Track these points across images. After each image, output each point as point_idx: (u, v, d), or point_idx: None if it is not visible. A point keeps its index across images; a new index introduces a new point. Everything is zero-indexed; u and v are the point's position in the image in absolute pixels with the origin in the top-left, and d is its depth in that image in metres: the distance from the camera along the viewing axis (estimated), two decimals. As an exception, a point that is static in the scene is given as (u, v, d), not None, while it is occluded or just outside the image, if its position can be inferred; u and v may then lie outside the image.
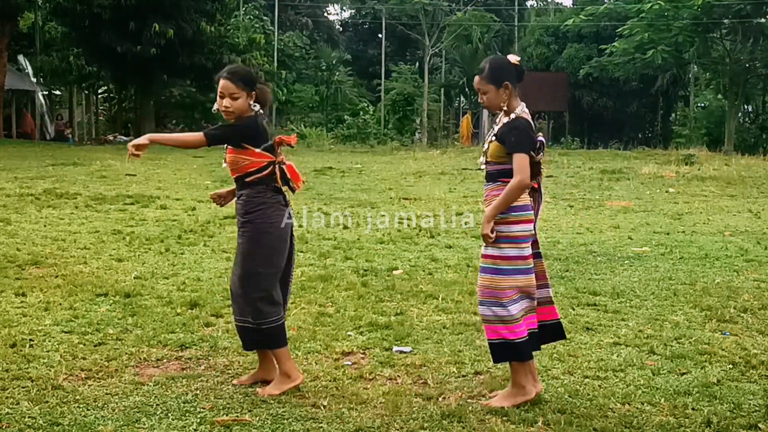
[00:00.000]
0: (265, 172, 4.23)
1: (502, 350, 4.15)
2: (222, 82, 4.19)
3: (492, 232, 4.06)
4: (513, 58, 4.20)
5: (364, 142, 32.71)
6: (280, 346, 4.29)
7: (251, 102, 4.23)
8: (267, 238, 4.24)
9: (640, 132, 42.10)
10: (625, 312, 6.07)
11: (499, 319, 4.10)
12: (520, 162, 4.05)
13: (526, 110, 4.18)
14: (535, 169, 4.18)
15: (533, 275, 4.18)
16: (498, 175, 4.15)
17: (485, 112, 39.77)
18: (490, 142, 4.19)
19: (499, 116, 4.27)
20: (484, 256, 4.14)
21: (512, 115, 4.15)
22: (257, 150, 4.20)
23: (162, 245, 8.46)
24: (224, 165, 4.34)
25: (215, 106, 4.27)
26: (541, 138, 4.23)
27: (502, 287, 4.09)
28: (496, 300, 4.10)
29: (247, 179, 4.22)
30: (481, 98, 4.20)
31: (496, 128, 4.20)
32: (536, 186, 4.24)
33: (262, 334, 4.26)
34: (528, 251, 4.15)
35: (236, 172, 4.25)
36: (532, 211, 4.18)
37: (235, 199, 4.32)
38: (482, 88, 4.16)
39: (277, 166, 4.27)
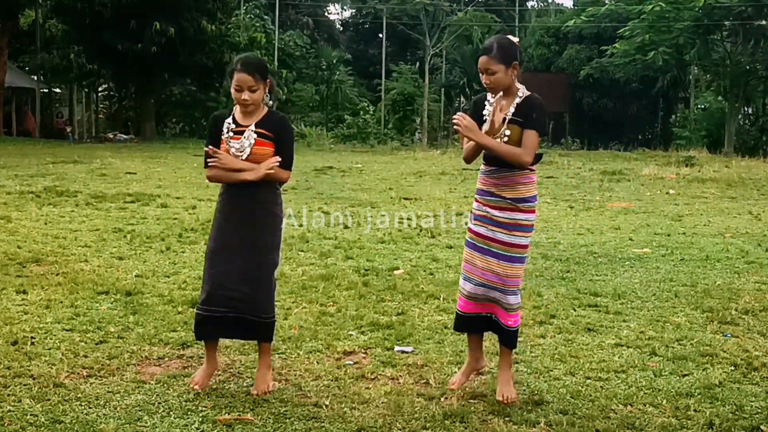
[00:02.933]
0: None
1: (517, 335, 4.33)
2: (239, 75, 4.11)
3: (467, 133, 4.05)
4: (514, 39, 4.19)
5: (364, 142, 32.74)
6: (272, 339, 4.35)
7: (266, 93, 4.22)
8: (280, 232, 4.30)
9: (640, 133, 42.15)
10: (627, 313, 6.07)
11: (520, 306, 4.27)
12: (533, 140, 4.03)
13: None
14: None
15: None
16: None
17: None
18: (508, 125, 4.06)
19: (497, 98, 4.17)
20: (518, 246, 4.12)
21: (521, 93, 4.11)
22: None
23: (163, 243, 8.45)
24: (243, 156, 4.16)
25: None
26: None
27: (520, 275, 4.23)
28: (520, 288, 4.25)
29: None
30: (487, 79, 4.08)
31: (510, 111, 4.08)
32: None
33: (267, 327, 4.24)
34: None
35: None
36: None
37: (246, 189, 4.15)
38: (491, 68, 4.05)
39: None
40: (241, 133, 4.19)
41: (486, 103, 4.22)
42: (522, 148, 4.02)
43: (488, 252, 4.16)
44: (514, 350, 4.33)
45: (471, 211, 4.30)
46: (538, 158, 4.12)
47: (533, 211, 4.16)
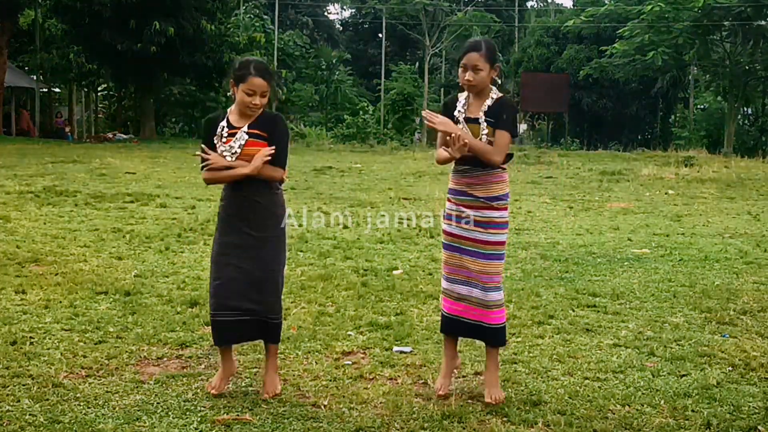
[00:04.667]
0: None
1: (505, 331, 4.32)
2: (255, 80, 4.07)
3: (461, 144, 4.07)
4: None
5: (363, 142, 32.73)
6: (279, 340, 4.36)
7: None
8: (283, 232, 4.32)
9: (639, 134, 42.14)
10: (625, 313, 6.07)
11: (503, 302, 4.28)
12: (505, 141, 4.08)
13: None
14: None
15: None
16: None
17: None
18: (485, 125, 4.09)
19: (467, 98, 4.20)
20: (494, 243, 4.15)
21: (493, 95, 4.15)
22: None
23: (162, 243, 8.46)
24: (233, 158, 4.13)
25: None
26: None
27: (500, 272, 4.24)
28: (501, 284, 4.25)
29: None
30: (472, 76, 4.07)
31: (482, 111, 4.11)
32: None
33: (276, 329, 4.26)
34: None
35: None
36: None
37: (246, 191, 4.15)
38: (479, 65, 4.07)
39: None
40: (235, 135, 4.18)
41: (458, 104, 4.23)
42: (494, 147, 4.08)
43: (465, 251, 4.20)
44: (501, 348, 4.33)
45: (444, 211, 4.32)
46: (509, 157, 4.18)
47: (506, 209, 4.20)
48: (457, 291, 4.27)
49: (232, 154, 4.14)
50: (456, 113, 4.20)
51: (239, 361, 4.70)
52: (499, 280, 4.22)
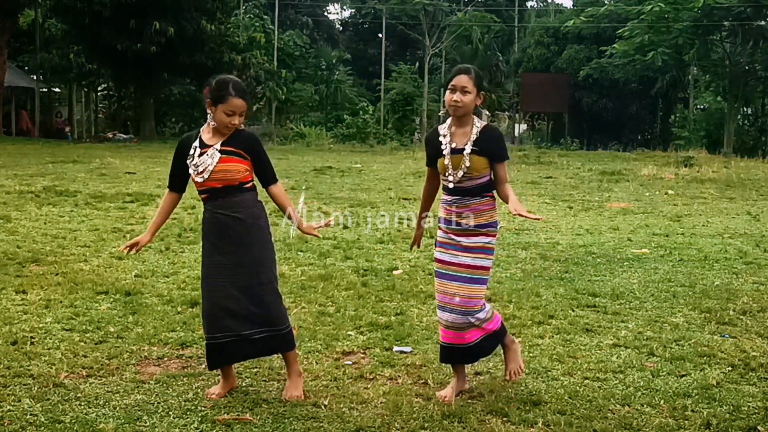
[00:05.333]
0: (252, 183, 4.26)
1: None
2: (235, 101, 4.09)
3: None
4: None
5: (363, 142, 32.73)
6: (295, 346, 4.34)
7: None
8: (271, 245, 4.28)
9: (639, 134, 42.14)
10: (625, 314, 6.08)
11: (493, 311, 4.37)
12: (505, 169, 4.22)
13: None
14: None
15: None
16: (482, 189, 4.19)
17: (485, 113, 39.60)
18: (469, 155, 4.12)
19: (449, 125, 4.24)
20: (479, 268, 4.19)
21: (478, 123, 4.19)
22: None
23: (162, 243, 8.46)
24: (201, 178, 4.16)
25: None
26: None
27: (483, 296, 4.27)
28: (484, 304, 4.28)
29: (247, 185, 4.20)
30: (460, 98, 4.12)
31: (469, 142, 4.14)
32: None
33: (287, 337, 4.23)
34: None
35: (227, 182, 4.13)
36: None
37: (225, 209, 4.16)
38: (468, 88, 4.13)
39: None
40: (206, 153, 4.17)
41: (440, 138, 4.25)
42: (505, 181, 4.19)
43: (454, 277, 4.20)
44: (507, 335, 4.42)
45: (435, 240, 4.35)
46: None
47: (495, 235, 4.24)
48: (444, 318, 4.28)
49: (204, 170, 4.14)
50: (442, 146, 4.21)
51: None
52: (482, 303, 4.25)
